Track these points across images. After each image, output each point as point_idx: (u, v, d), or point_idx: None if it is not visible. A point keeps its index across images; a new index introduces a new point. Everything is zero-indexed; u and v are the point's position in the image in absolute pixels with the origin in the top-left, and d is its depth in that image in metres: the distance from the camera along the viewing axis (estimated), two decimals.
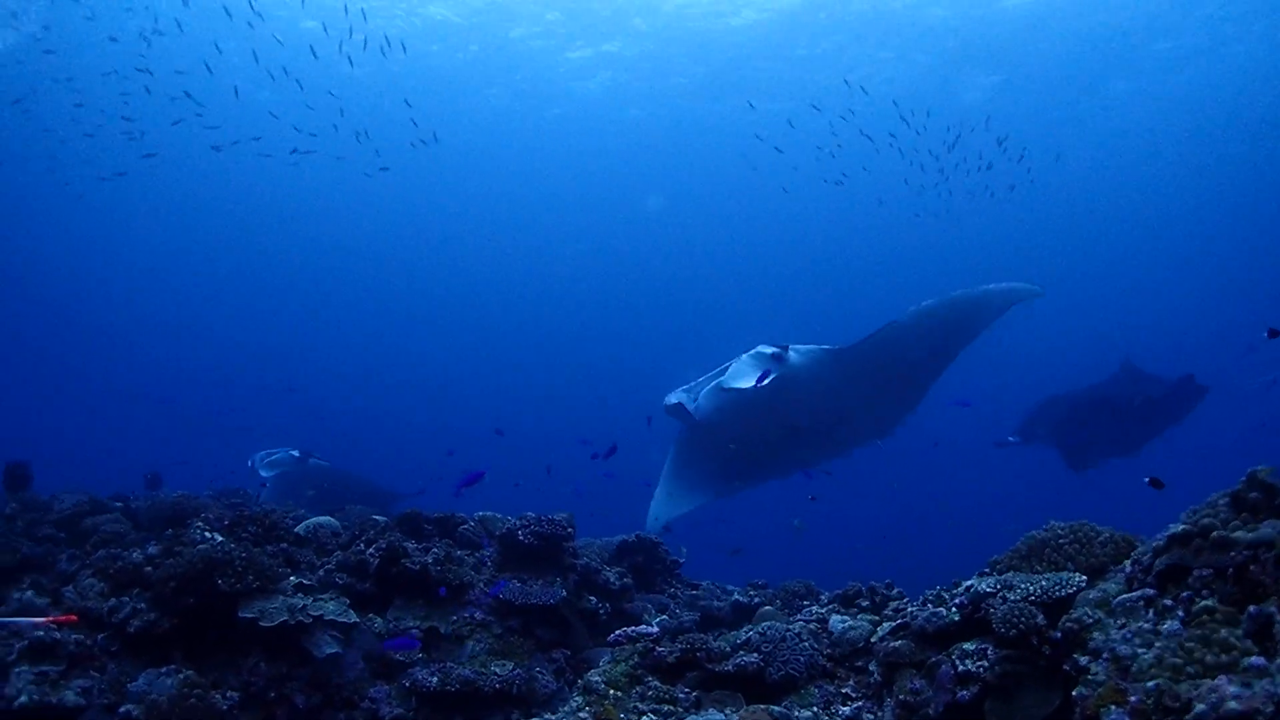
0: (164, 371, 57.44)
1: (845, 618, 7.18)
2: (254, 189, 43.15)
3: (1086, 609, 4.83)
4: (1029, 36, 30.68)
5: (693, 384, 11.42)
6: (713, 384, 11.14)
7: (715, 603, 9.94)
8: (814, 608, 8.06)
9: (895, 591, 7.95)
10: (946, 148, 28.69)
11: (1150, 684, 3.95)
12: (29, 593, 7.88)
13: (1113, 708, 4.11)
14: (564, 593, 8.64)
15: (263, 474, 14.99)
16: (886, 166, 31.51)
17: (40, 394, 56.62)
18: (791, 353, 11.02)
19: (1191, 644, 4.01)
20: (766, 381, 10.65)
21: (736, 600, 9.79)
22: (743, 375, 10.89)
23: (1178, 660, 3.98)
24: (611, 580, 9.43)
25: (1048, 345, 49.02)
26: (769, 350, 10.99)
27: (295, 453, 15.57)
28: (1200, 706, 3.68)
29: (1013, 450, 18.79)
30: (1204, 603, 4.23)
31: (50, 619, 7.34)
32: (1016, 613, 5.01)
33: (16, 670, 6.84)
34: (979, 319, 11.27)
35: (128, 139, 28.84)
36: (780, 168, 34.86)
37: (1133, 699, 4.00)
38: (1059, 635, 4.89)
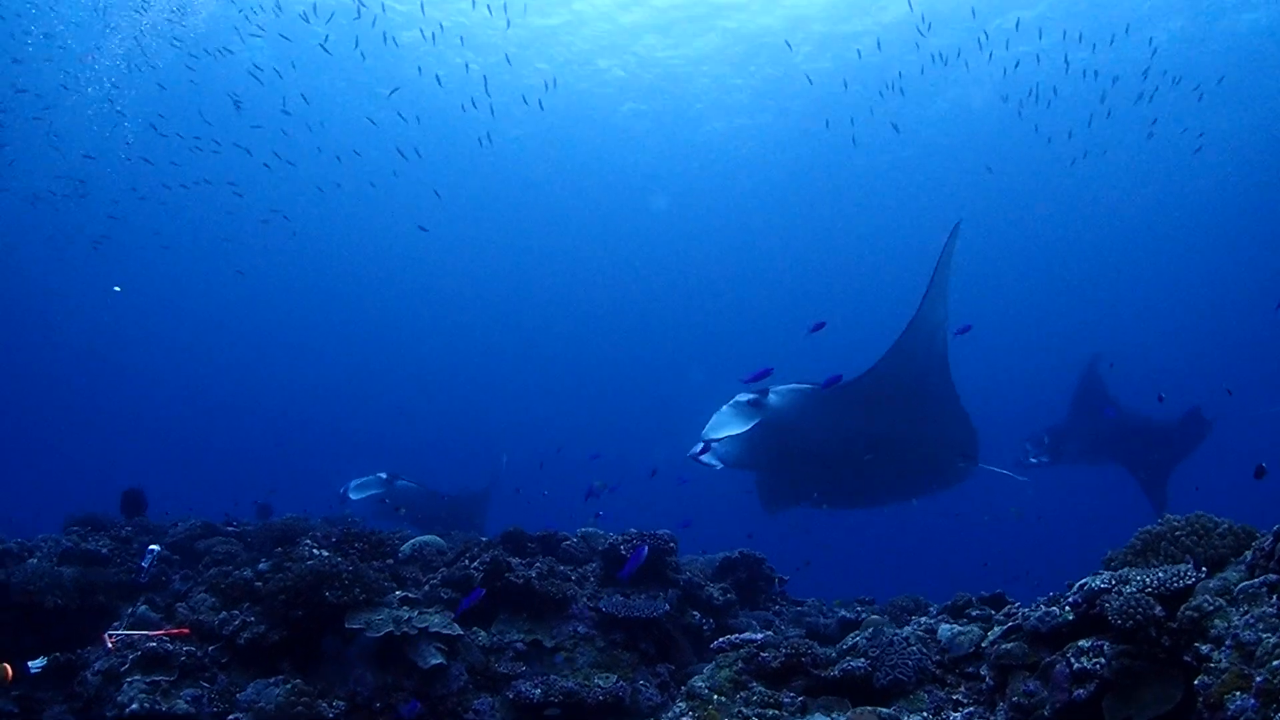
0: (269, 402, 58.99)
1: (955, 625, 7.02)
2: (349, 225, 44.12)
3: (1207, 597, 4.65)
4: None
5: None
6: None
7: (821, 619, 9.78)
8: (922, 619, 7.90)
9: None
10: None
11: (1276, 663, 3.78)
12: (143, 608, 8.11)
13: (1237, 694, 3.95)
14: (667, 607, 8.59)
15: (353, 498, 15.34)
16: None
17: (153, 429, 58.26)
18: (771, 396, 11.39)
19: None
20: (740, 432, 10.91)
21: (843, 616, 9.59)
22: (722, 426, 11.28)
23: None
24: (715, 596, 9.34)
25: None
26: (746, 398, 11.35)
27: (383, 475, 15.94)
28: None
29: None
30: None
31: (163, 631, 7.55)
32: (1133, 604, 4.82)
33: (129, 679, 7.04)
34: (936, 314, 10.91)
35: (237, 197, 30.06)
36: (841, 117, 31.06)
37: (1258, 680, 3.83)
38: (1178, 626, 4.69)
